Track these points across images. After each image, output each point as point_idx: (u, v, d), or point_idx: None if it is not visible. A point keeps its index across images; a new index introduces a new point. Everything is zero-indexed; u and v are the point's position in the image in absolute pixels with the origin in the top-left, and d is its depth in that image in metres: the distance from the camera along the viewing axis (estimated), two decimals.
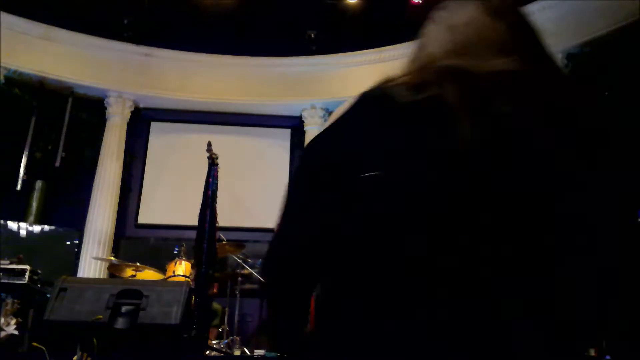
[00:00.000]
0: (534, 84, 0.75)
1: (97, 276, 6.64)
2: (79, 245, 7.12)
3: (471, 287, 0.64)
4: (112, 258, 5.38)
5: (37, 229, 6.93)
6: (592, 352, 4.30)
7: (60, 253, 6.97)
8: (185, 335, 2.81)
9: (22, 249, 5.57)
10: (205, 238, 3.90)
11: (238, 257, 5.47)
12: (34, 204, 7.16)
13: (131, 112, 8.03)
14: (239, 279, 5.39)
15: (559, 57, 6.66)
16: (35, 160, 7.24)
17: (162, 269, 5.01)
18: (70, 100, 7.62)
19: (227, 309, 5.33)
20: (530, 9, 6.91)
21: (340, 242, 0.72)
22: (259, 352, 4.31)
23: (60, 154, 7.35)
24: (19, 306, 4.37)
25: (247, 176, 7.71)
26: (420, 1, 7.63)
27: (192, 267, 4.46)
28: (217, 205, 4.19)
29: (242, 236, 6.35)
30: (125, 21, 7.89)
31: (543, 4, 6.82)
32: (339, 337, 0.69)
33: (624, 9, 5.98)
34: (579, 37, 6.52)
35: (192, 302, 3.19)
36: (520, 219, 0.66)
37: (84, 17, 7.54)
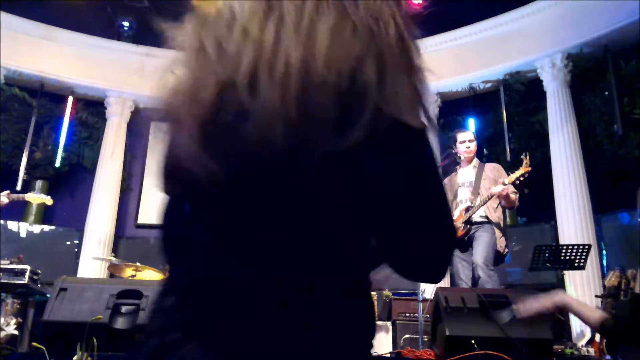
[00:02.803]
0: None
1: (97, 276, 6.63)
2: (79, 245, 7.12)
3: None
4: (112, 258, 5.37)
5: (37, 229, 6.93)
6: (593, 352, 4.30)
7: (60, 253, 6.96)
8: None
9: (22, 249, 5.57)
10: None
11: None
12: (34, 204, 7.16)
13: (131, 112, 8.03)
14: None
15: (559, 57, 6.67)
16: (35, 160, 7.24)
17: (162, 269, 5.01)
18: (70, 100, 7.63)
19: None
20: (530, 9, 6.95)
21: None
22: None
23: (60, 154, 7.36)
24: (19, 306, 4.37)
25: None
26: (420, 1, 7.62)
27: None
28: None
29: None
30: (126, 21, 7.90)
31: (543, 4, 6.83)
32: None
33: (624, 9, 5.98)
34: (579, 37, 6.52)
35: None
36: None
37: (85, 17, 7.54)
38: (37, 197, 4.56)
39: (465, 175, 4.18)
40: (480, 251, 3.83)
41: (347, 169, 0.63)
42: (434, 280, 0.73)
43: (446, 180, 4.36)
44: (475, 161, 4.24)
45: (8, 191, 4.33)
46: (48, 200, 4.67)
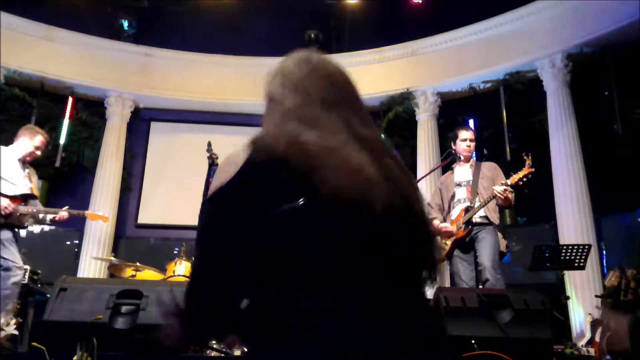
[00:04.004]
0: None
1: (97, 276, 6.64)
2: (79, 245, 7.12)
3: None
4: (112, 258, 5.37)
5: (37, 229, 6.93)
6: (593, 352, 4.30)
7: (60, 253, 6.97)
8: None
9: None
10: None
11: None
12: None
13: (131, 112, 8.03)
14: None
15: (559, 57, 6.67)
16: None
17: (162, 269, 5.01)
18: (70, 100, 7.63)
19: None
20: (530, 9, 6.95)
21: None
22: None
23: (60, 154, 7.35)
24: (19, 306, 4.37)
25: None
26: (421, 1, 7.63)
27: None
28: None
29: None
30: (126, 21, 7.90)
31: (543, 4, 6.83)
32: None
33: (624, 9, 5.98)
34: (579, 37, 6.52)
35: None
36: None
37: (85, 17, 7.55)
38: (96, 215, 4.53)
39: (462, 174, 4.17)
40: (486, 254, 3.82)
41: None
42: None
43: (442, 179, 4.34)
44: (472, 160, 4.23)
45: (67, 207, 4.37)
46: (105, 218, 4.63)
